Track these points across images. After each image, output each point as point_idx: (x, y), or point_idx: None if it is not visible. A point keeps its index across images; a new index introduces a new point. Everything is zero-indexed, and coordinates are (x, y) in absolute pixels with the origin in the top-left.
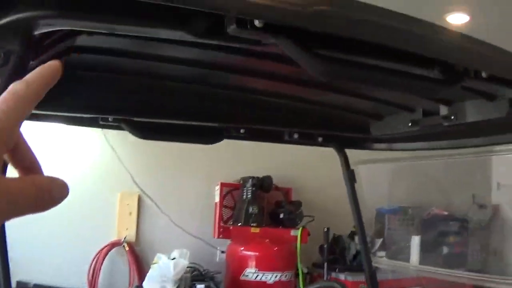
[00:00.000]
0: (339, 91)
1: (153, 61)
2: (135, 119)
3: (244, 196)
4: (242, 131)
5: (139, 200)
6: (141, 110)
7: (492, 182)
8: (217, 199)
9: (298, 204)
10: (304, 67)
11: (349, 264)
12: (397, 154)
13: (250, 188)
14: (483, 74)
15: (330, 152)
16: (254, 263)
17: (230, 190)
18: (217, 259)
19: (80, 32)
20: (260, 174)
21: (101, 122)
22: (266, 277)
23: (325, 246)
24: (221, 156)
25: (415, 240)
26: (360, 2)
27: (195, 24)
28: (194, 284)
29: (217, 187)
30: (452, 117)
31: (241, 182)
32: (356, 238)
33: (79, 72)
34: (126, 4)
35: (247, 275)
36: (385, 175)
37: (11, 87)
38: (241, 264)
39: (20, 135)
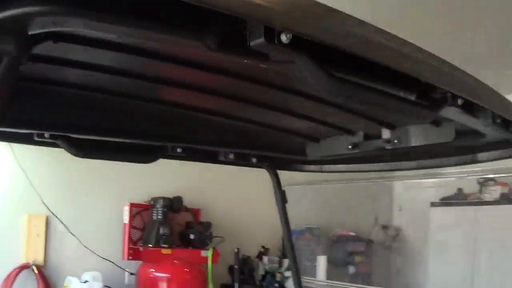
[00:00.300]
0: (281, 111)
1: (93, 71)
2: (72, 136)
3: (155, 217)
4: (179, 150)
5: (47, 221)
6: (79, 127)
7: (394, 205)
8: (126, 219)
9: (208, 224)
10: (316, 85)
11: (259, 284)
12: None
13: (161, 208)
14: (459, 101)
15: (238, 172)
16: (167, 284)
17: (139, 211)
18: (126, 281)
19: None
20: (169, 194)
21: (36, 138)
22: None
23: (236, 266)
24: (130, 176)
25: (321, 260)
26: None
27: (212, 35)
28: None
29: (126, 208)
30: (396, 141)
31: (151, 202)
32: (264, 259)
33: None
34: (141, 7)
35: None
36: (293, 197)
37: None
38: (153, 286)
39: None
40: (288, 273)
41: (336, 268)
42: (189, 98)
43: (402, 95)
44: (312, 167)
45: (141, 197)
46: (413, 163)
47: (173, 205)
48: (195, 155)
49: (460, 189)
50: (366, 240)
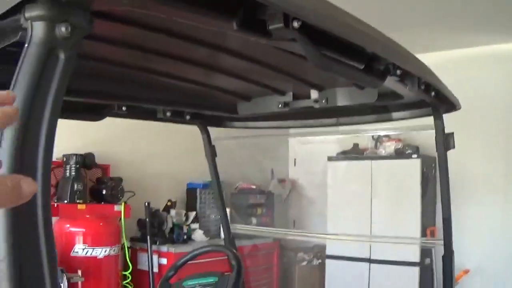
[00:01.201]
0: (214, 69)
1: None
2: None
3: (68, 174)
4: (124, 108)
5: None
6: None
7: (289, 159)
8: None
9: (119, 180)
10: (311, 60)
11: (168, 237)
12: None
13: (74, 165)
14: (398, 72)
15: (145, 128)
16: (83, 239)
17: (52, 168)
18: None
19: None
20: (78, 151)
21: None
22: (96, 252)
23: (147, 220)
24: None
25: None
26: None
27: (238, 18)
28: None
29: None
30: (323, 101)
31: (64, 159)
32: (172, 212)
33: None
34: None
35: (77, 252)
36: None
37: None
38: (70, 241)
39: None
40: (194, 226)
41: (240, 220)
42: (134, 58)
43: (357, 66)
44: (241, 123)
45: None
46: (333, 120)
47: (86, 161)
48: (137, 113)
49: (356, 144)
50: (266, 193)
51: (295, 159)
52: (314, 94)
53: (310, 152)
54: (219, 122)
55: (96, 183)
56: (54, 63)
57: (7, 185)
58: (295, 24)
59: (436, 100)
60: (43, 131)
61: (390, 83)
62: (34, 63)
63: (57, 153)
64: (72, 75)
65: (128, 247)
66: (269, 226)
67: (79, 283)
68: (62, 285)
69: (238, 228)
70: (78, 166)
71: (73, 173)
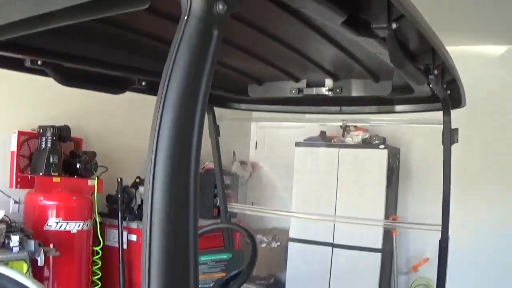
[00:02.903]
0: (232, 47)
1: None
2: (63, 64)
3: (43, 145)
4: (143, 83)
5: None
6: (69, 56)
7: (251, 142)
8: (13, 147)
9: (93, 154)
10: (391, 58)
11: (137, 214)
12: None
13: (50, 137)
14: (435, 72)
15: (118, 104)
16: (57, 212)
17: (26, 139)
18: (11, 209)
19: None
20: (52, 123)
21: (27, 65)
22: (69, 226)
23: (119, 195)
24: (15, 104)
25: None
26: None
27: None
28: (8, 235)
29: (14, 135)
30: (338, 90)
31: (40, 131)
32: (140, 188)
33: None
34: None
35: (50, 225)
36: None
37: None
38: (44, 214)
39: None
40: None
41: (204, 202)
42: (159, 29)
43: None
44: (249, 106)
45: (25, 126)
46: (337, 108)
47: (61, 134)
48: (155, 89)
49: (323, 132)
50: (232, 174)
51: (256, 142)
52: (329, 82)
53: (273, 136)
54: (227, 103)
55: (70, 157)
56: (209, 40)
57: None
58: (393, 25)
59: (449, 97)
60: (199, 107)
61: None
62: (194, 37)
63: (32, 124)
64: (99, 45)
65: (99, 223)
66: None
67: (51, 257)
68: (39, 258)
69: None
70: (54, 138)
71: (49, 145)
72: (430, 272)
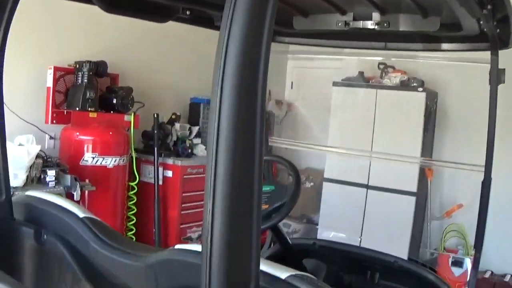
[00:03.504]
0: None
1: None
2: None
3: (80, 81)
4: (188, 13)
5: None
6: None
7: (287, 82)
8: (49, 83)
9: (129, 89)
10: None
11: (172, 150)
12: None
13: (87, 72)
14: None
15: (156, 39)
16: (93, 147)
17: (62, 75)
18: (46, 145)
19: None
20: (87, 58)
21: None
22: (105, 162)
23: (155, 131)
24: (51, 40)
25: None
26: None
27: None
28: (45, 170)
29: (50, 71)
30: (385, 24)
31: (76, 66)
32: (176, 125)
33: None
34: None
35: (86, 160)
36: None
37: None
38: (80, 149)
39: None
40: (196, 140)
41: None
42: None
43: None
44: (293, 39)
45: (61, 62)
46: (382, 44)
47: (98, 69)
48: (198, 20)
49: (361, 72)
50: (268, 112)
51: (292, 82)
52: (376, 16)
53: (309, 77)
54: (274, 37)
55: (106, 92)
56: None
57: None
58: None
59: (498, 35)
60: (265, 38)
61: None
62: None
63: (68, 60)
64: None
65: (135, 158)
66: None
67: (87, 192)
68: (75, 193)
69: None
70: (90, 73)
71: (86, 81)
72: (463, 219)
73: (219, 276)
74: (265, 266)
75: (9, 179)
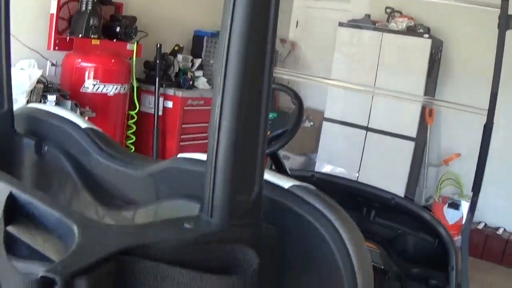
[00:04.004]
0: None
1: None
2: None
3: (84, 8)
4: None
5: None
6: None
7: (292, 21)
8: (53, 10)
9: (133, 19)
10: None
11: (174, 80)
12: None
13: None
14: None
15: None
16: (94, 74)
17: (66, 1)
18: (47, 72)
19: None
20: None
21: None
22: (106, 89)
23: (157, 61)
24: None
25: None
26: None
27: None
28: (45, 95)
29: None
30: None
31: None
32: (179, 56)
33: None
34: None
35: (87, 87)
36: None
37: None
38: (81, 76)
39: None
40: (198, 73)
41: None
42: None
43: None
44: None
45: None
46: None
47: None
48: None
49: (368, 15)
50: None
51: (297, 21)
52: None
53: (315, 17)
54: None
55: (110, 20)
56: None
57: None
58: None
59: None
60: None
61: None
62: None
63: None
64: None
65: (136, 88)
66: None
67: (86, 118)
68: None
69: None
70: (95, 1)
71: (89, 8)
72: (459, 168)
73: (224, 182)
74: (269, 176)
75: (11, 90)
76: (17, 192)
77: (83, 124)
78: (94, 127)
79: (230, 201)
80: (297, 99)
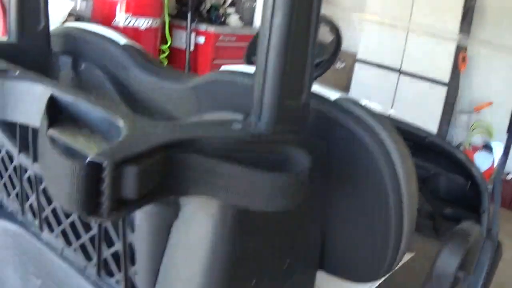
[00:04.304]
0: None
1: None
2: None
3: None
4: None
5: None
6: None
7: None
8: None
9: None
10: None
11: (206, 16)
12: None
13: None
14: None
15: None
16: (126, 8)
17: None
18: (78, 7)
19: None
20: None
21: None
22: (138, 23)
23: None
24: None
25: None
26: None
27: None
28: None
29: None
30: None
31: None
32: None
33: None
34: None
35: (119, 21)
36: None
37: None
38: (112, 9)
39: None
40: (230, 10)
41: None
42: None
43: None
44: None
45: None
46: None
47: None
48: None
49: None
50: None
51: None
52: None
53: None
54: None
55: None
56: None
57: None
58: None
59: None
60: None
61: None
62: None
63: None
64: None
65: (168, 22)
66: None
67: None
68: None
69: None
70: None
71: None
72: (490, 118)
73: (274, 84)
74: (316, 87)
75: (48, 6)
76: (58, 94)
77: (122, 40)
78: (133, 43)
79: (279, 105)
80: (334, 29)
